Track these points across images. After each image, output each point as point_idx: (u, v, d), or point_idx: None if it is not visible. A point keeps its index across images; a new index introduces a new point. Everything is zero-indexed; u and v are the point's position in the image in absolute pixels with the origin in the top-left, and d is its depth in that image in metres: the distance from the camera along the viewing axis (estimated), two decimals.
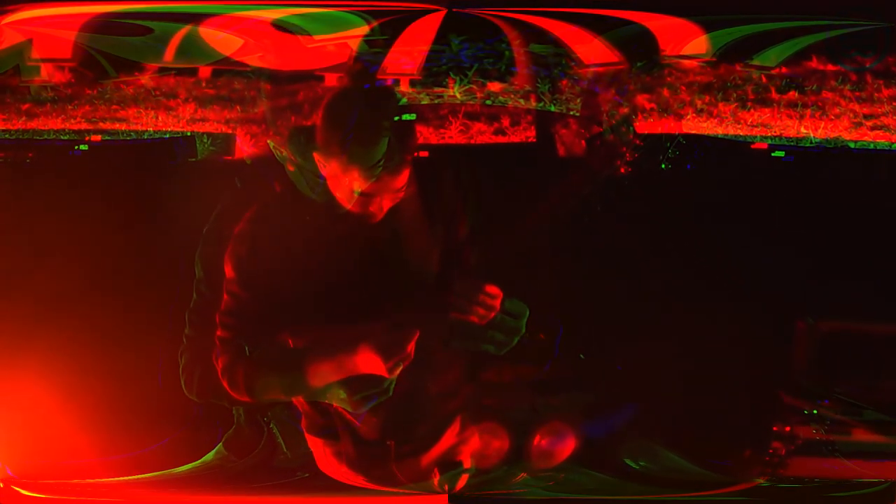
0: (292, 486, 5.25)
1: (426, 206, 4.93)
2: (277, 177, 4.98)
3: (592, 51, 5.71)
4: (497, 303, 4.58)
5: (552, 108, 5.89)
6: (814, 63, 5.73)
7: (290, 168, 5.01)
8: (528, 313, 4.66)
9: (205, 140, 5.93)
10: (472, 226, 5.01)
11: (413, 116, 5.45)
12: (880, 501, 5.26)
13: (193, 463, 5.44)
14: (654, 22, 5.66)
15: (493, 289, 4.58)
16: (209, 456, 5.53)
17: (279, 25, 5.64)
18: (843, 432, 5.55)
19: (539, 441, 5.16)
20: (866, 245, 5.70)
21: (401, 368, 4.56)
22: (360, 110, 4.60)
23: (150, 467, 5.41)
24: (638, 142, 5.63)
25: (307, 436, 5.15)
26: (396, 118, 4.72)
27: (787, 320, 5.77)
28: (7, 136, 5.81)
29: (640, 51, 5.76)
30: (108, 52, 5.72)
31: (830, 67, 5.73)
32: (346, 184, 4.69)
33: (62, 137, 5.89)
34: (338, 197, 4.77)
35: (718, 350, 5.67)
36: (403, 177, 4.70)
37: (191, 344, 5.26)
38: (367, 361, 4.59)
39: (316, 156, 4.72)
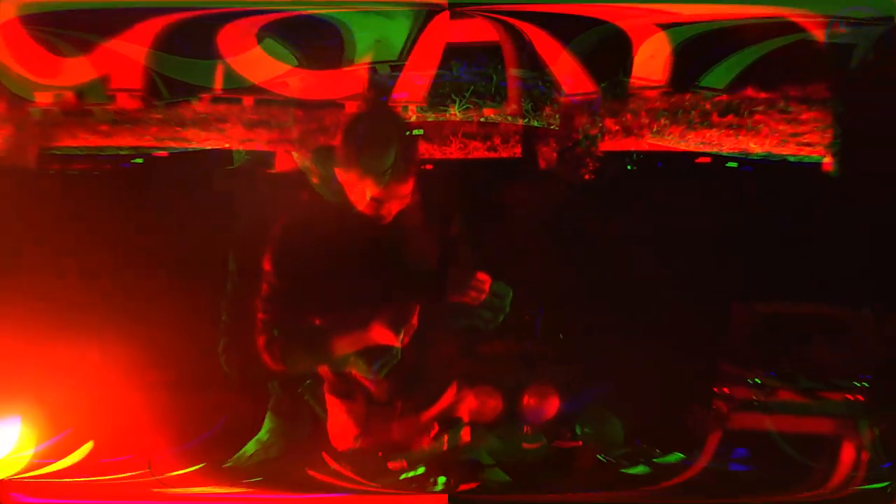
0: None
1: (427, 210, 5.25)
2: (305, 188, 5.53)
3: (572, 80, 6.00)
4: (486, 286, 4.92)
5: (535, 124, 6.10)
6: (749, 91, 5.99)
7: (315, 180, 5.55)
8: (511, 295, 4.96)
9: (242, 153, 6.19)
10: (464, 226, 5.31)
11: (419, 132, 5.78)
12: (879, 502, 5.40)
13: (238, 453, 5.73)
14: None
15: (482, 275, 4.94)
16: (262, 433, 5.80)
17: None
18: (778, 396, 5.80)
19: (528, 401, 5.47)
20: (795, 240, 6.03)
21: (407, 337, 4.95)
22: (370, 129, 5.00)
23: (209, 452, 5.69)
24: (600, 154, 5.93)
25: (327, 396, 5.41)
26: (401, 135, 5.04)
27: (729, 305, 6.09)
28: (82, 151, 6.07)
29: (612, 81, 6.08)
30: (166, 75, 5.97)
31: (763, 95, 5.99)
32: (360, 190, 5.00)
33: (121, 153, 6.11)
34: (354, 202, 5.07)
35: (672, 331, 6.03)
36: (409, 185, 5.02)
37: (227, 329, 5.77)
38: (379, 333, 4.98)
39: (336, 169, 5.06)
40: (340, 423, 5.35)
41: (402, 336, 4.96)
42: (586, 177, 5.67)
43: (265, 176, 6.16)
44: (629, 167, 6.23)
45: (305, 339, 5.15)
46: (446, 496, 5.15)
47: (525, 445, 5.34)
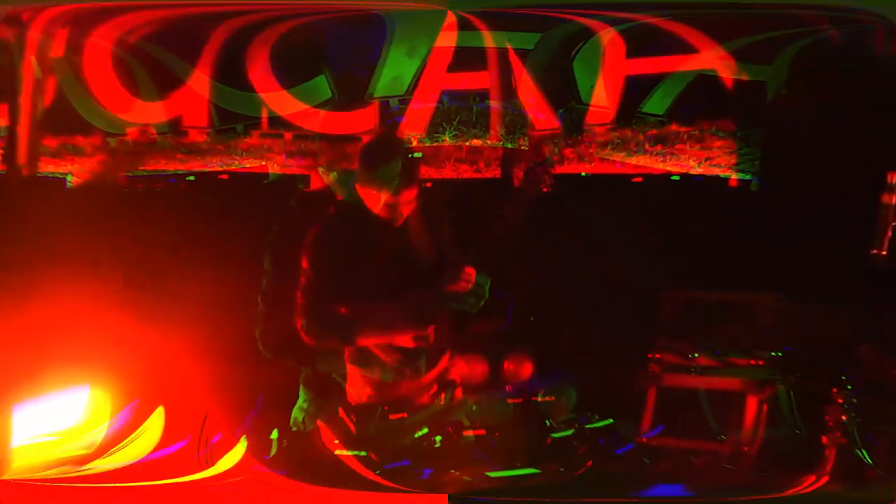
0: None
1: (427, 217, 5.87)
2: (332, 202, 6.03)
3: (540, 116, 6.86)
4: (471, 277, 5.62)
5: (509, 146, 6.88)
6: (673, 127, 6.87)
7: (339, 197, 6.12)
8: (489, 283, 5.63)
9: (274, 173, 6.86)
10: (453, 229, 5.93)
11: (419, 154, 6.49)
12: (881, 501, 5.64)
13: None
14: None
15: (469, 269, 5.63)
16: (300, 402, 6.14)
17: None
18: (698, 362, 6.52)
19: (508, 366, 6.26)
20: (709, 240, 6.67)
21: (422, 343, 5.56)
22: (380, 148, 5.79)
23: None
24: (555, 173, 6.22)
25: (347, 365, 5.86)
26: (404, 151, 5.74)
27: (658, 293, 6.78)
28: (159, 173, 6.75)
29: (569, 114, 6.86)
30: (219, 105, 6.74)
31: (684, 129, 6.85)
32: (376, 198, 5.62)
33: (178, 172, 6.82)
34: (371, 207, 5.69)
35: (615, 313, 6.73)
36: (414, 191, 5.64)
37: (263, 317, 6.15)
38: (401, 340, 5.66)
39: (356, 184, 5.72)
40: (357, 386, 5.87)
41: (417, 342, 5.65)
42: (545, 191, 6.05)
43: (296, 192, 6.68)
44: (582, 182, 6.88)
45: (337, 323, 5.73)
46: (446, 496, 5.38)
47: (509, 401, 5.90)
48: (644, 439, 6.51)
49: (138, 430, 6.21)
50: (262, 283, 6.18)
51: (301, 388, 6.23)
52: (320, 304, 5.73)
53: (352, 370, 5.91)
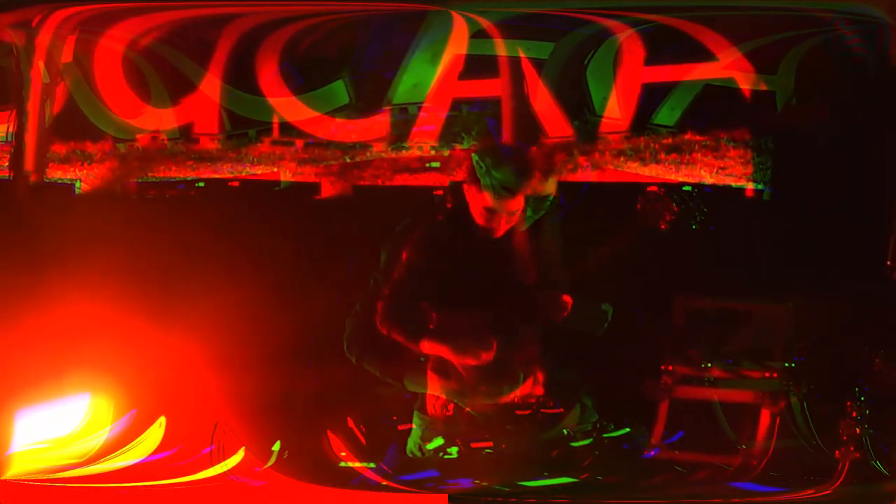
0: None
1: (534, 234, 5.68)
2: (439, 210, 5.79)
3: (554, 124, 6.50)
4: (568, 307, 5.52)
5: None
6: (688, 135, 6.50)
7: (449, 204, 5.75)
8: (611, 310, 5.60)
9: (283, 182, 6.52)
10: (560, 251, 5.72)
11: (436, 164, 6.25)
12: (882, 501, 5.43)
13: None
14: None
15: (567, 297, 5.53)
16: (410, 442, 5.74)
17: None
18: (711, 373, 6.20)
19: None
20: (724, 250, 6.30)
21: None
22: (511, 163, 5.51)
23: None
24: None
25: (429, 371, 5.61)
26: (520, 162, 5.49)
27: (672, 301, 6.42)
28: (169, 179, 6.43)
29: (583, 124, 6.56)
30: (230, 110, 6.45)
31: (699, 138, 6.48)
32: (480, 201, 5.45)
33: (187, 179, 6.48)
34: (474, 213, 5.52)
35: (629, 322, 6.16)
36: (518, 202, 5.46)
37: (358, 318, 5.84)
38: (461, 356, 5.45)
39: (464, 186, 5.52)
40: (435, 394, 5.63)
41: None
42: (663, 227, 5.75)
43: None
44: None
45: (411, 320, 5.54)
46: (446, 496, 5.24)
47: (517, 412, 5.59)
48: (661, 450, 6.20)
49: (137, 440, 6.02)
50: (370, 283, 5.86)
51: (415, 413, 5.84)
52: (403, 297, 5.58)
53: (430, 376, 5.71)
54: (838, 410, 5.79)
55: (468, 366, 5.51)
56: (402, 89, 6.49)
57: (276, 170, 6.54)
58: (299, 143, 6.47)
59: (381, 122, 6.55)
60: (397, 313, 5.52)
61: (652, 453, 6.02)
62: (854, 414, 5.71)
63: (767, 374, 6.20)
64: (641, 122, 6.66)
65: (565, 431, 5.63)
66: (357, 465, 5.49)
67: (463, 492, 5.35)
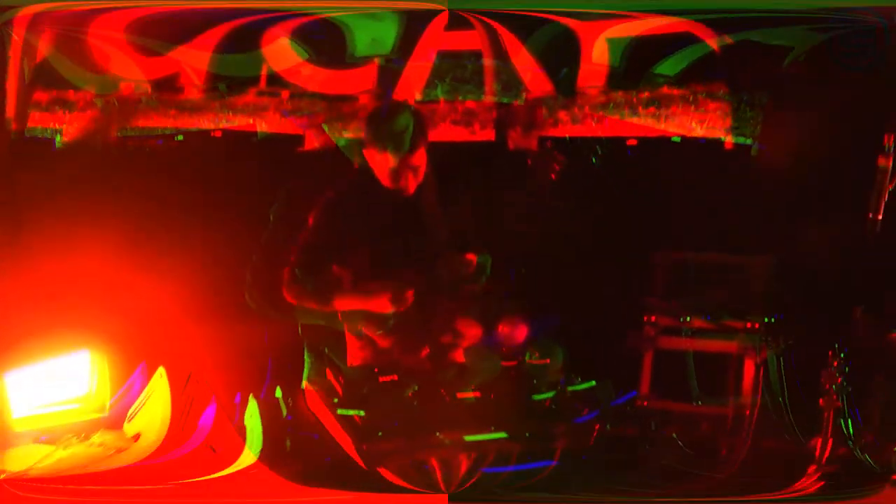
0: None
1: (438, 193, 5.39)
2: (348, 168, 5.61)
3: (534, 80, 6.12)
4: (472, 265, 5.29)
5: (505, 100, 6.13)
6: (665, 90, 6.11)
7: (356, 165, 5.61)
8: (490, 261, 5.34)
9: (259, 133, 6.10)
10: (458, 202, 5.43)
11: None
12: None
13: None
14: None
15: (470, 256, 5.28)
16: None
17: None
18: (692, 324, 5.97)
19: (503, 329, 5.41)
20: (705, 202, 6.04)
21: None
22: (387, 111, 5.33)
23: None
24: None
25: (346, 334, 5.39)
26: (411, 112, 5.24)
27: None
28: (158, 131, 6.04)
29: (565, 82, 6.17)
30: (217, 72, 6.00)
31: (676, 92, 6.10)
32: (383, 164, 5.16)
33: (166, 132, 6.07)
34: (379, 176, 5.22)
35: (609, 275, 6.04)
36: (420, 157, 5.17)
37: (255, 267, 5.68)
38: (378, 305, 5.18)
39: (364, 150, 5.25)
40: (354, 350, 5.40)
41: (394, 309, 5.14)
42: (553, 178, 5.55)
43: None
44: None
45: (320, 287, 5.28)
46: (446, 496, 4.96)
47: (503, 364, 5.30)
48: (644, 402, 6.00)
49: (145, 392, 5.80)
50: (264, 234, 5.71)
51: (305, 351, 5.68)
52: (310, 266, 5.33)
53: (349, 338, 5.46)
54: (817, 366, 5.50)
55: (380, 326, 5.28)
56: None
57: (252, 121, 6.17)
58: (285, 93, 6.07)
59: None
60: (305, 279, 5.32)
61: (620, 401, 5.71)
62: (834, 367, 5.41)
63: (749, 326, 5.92)
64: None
65: (534, 382, 5.31)
66: (347, 412, 5.09)
67: (463, 492, 5.03)
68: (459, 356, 5.33)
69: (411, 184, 5.24)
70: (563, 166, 5.49)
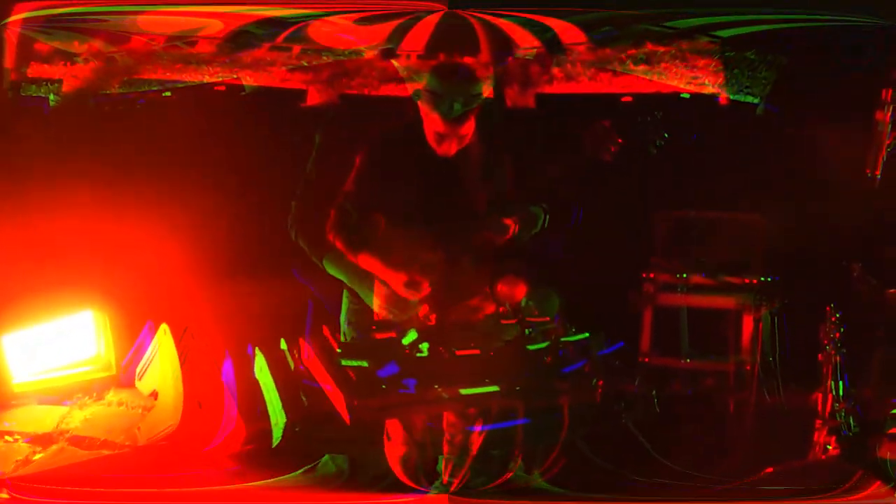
0: None
1: (480, 153, 5.01)
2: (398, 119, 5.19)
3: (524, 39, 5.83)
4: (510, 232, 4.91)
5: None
6: (649, 46, 5.83)
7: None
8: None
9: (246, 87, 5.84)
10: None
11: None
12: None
13: None
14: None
15: (508, 221, 4.89)
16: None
17: None
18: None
19: (501, 288, 5.04)
20: (701, 160, 5.87)
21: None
22: (447, 71, 4.94)
23: None
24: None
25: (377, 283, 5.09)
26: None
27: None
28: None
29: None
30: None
31: (663, 49, 5.83)
32: (430, 124, 4.82)
33: (153, 88, 5.77)
34: (427, 134, 4.87)
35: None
36: (467, 126, 4.82)
37: (298, 208, 5.62)
38: (393, 282, 4.86)
39: (420, 103, 4.87)
40: (380, 301, 5.11)
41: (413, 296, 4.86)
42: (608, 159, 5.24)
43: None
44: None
45: (357, 232, 4.95)
46: (446, 496, 4.80)
47: (503, 322, 4.98)
48: (646, 359, 5.83)
49: (150, 350, 5.63)
50: (308, 167, 5.57)
51: (344, 293, 5.41)
52: (354, 212, 4.95)
53: (378, 286, 5.15)
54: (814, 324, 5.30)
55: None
56: None
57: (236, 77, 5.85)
58: (296, 48, 5.73)
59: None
60: (344, 222, 4.97)
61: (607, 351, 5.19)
62: (830, 326, 5.23)
63: (746, 282, 5.79)
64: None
65: (528, 332, 4.93)
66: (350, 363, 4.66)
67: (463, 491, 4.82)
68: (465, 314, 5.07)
69: (453, 149, 4.92)
70: (619, 148, 5.18)
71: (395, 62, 5.74)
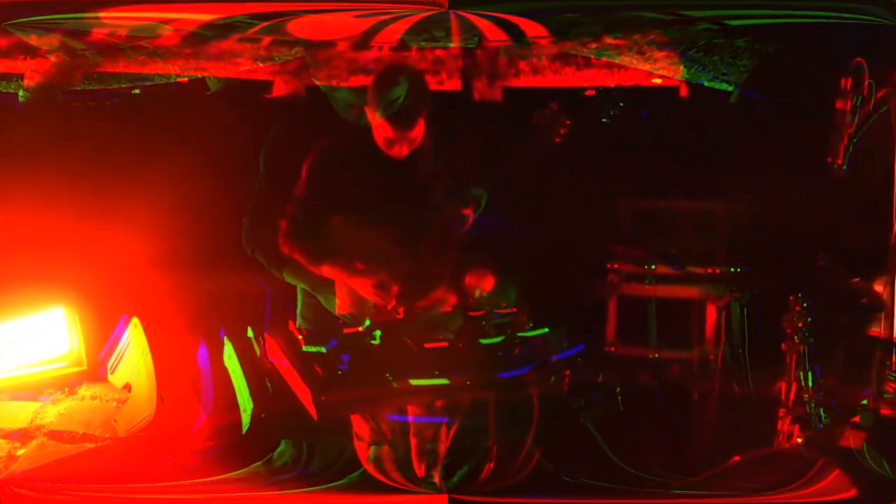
0: None
1: (431, 154, 4.87)
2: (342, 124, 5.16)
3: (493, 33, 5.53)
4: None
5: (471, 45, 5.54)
6: (609, 40, 5.51)
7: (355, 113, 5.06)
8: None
9: (215, 81, 5.63)
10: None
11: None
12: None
13: None
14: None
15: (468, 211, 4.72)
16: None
17: None
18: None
19: (469, 280, 4.95)
20: (665, 150, 5.69)
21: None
22: (387, 73, 4.77)
23: None
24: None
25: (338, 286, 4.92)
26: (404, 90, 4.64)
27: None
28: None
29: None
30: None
31: (620, 42, 5.53)
32: (379, 130, 4.67)
33: (123, 85, 5.56)
34: (377, 138, 4.71)
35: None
36: (417, 130, 4.68)
37: (252, 216, 5.32)
38: (361, 288, 4.70)
39: (365, 108, 4.73)
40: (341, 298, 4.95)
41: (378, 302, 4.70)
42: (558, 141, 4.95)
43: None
44: None
45: (313, 243, 4.82)
46: (446, 496, 4.59)
47: (470, 314, 4.78)
48: (611, 349, 5.66)
49: (121, 343, 5.49)
50: (255, 185, 5.33)
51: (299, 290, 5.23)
52: (307, 220, 4.81)
53: (339, 286, 4.97)
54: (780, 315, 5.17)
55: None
56: None
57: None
58: (266, 39, 5.42)
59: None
60: (299, 232, 4.82)
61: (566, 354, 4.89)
62: (794, 316, 5.10)
63: (710, 271, 5.63)
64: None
65: (483, 324, 4.74)
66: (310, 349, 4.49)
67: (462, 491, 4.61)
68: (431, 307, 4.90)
69: (404, 151, 4.75)
70: (568, 129, 4.94)
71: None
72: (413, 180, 4.83)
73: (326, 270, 4.78)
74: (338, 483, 4.68)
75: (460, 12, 5.19)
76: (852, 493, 4.43)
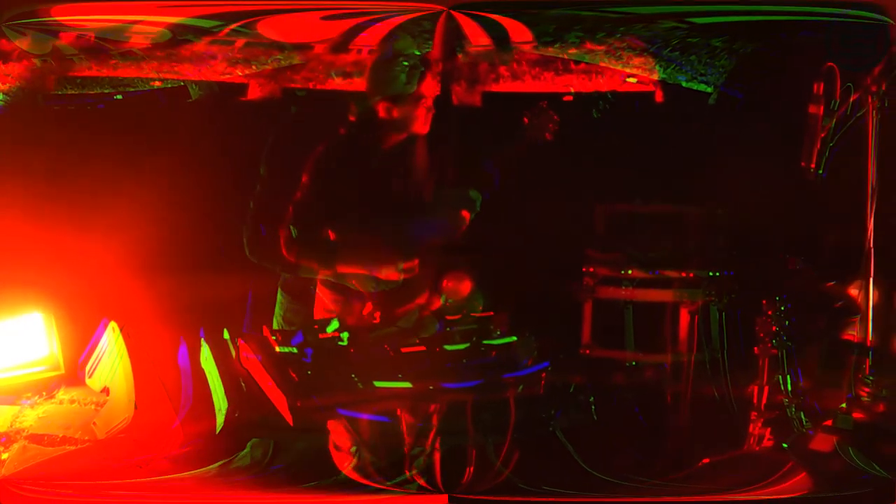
0: None
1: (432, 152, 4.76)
2: (342, 124, 4.85)
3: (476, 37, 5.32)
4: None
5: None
6: (589, 45, 5.36)
7: (352, 118, 4.83)
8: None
9: (194, 86, 5.41)
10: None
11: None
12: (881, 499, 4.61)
13: None
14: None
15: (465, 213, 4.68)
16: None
17: None
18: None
19: (447, 283, 4.77)
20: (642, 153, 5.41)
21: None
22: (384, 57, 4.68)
23: None
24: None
25: (319, 285, 4.83)
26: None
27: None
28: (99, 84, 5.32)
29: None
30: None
31: (598, 47, 5.38)
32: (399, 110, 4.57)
33: (105, 91, 5.38)
34: (414, 127, 4.62)
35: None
36: (428, 89, 4.60)
37: (251, 226, 5.08)
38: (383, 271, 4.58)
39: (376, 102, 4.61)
40: (321, 305, 4.85)
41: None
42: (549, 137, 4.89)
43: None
44: None
45: (321, 247, 4.68)
46: (446, 496, 4.50)
47: (448, 318, 4.63)
48: (587, 351, 5.48)
49: (99, 348, 5.34)
50: (256, 187, 5.08)
51: (279, 292, 5.10)
52: (307, 224, 4.67)
53: (321, 289, 4.85)
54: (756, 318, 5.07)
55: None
56: None
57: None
58: (239, 42, 5.21)
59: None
60: (303, 238, 4.68)
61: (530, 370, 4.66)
62: (767, 320, 4.99)
63: (683, 275, 5.43)
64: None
65: (449, 329, 4.61)
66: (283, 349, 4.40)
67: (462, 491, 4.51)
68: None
69: (428, 124, 4.65)
70: (558, 126, 4.86)
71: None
72: (409, 185, 4.71)
73: (341, 267, 4.67)
74: (328, 480, 4.58)
75: (455, 13, 5.07)
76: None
